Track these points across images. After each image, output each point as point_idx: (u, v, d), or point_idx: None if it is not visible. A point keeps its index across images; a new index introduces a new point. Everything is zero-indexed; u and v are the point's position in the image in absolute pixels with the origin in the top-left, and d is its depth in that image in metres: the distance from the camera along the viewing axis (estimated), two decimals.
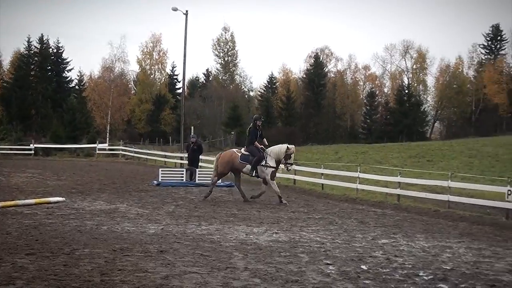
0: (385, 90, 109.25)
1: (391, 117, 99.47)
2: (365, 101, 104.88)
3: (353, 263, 10.54)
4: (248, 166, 21.76)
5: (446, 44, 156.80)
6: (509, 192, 18.97)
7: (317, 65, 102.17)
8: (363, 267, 10.25)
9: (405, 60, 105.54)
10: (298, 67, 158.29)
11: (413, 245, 12.94)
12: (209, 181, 29.01)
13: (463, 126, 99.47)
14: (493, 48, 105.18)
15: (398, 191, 24.32)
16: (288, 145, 21.67)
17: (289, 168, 22.43)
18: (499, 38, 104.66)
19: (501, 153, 51.27)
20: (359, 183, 26.99)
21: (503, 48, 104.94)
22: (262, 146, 21.90)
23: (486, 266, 10.75)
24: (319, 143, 79.82)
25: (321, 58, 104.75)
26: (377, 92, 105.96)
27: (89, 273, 9.05)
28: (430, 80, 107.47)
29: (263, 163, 21.59)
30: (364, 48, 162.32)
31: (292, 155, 21.69)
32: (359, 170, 27.56)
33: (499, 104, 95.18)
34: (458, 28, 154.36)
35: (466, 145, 60.34)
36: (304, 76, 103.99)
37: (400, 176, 24.95)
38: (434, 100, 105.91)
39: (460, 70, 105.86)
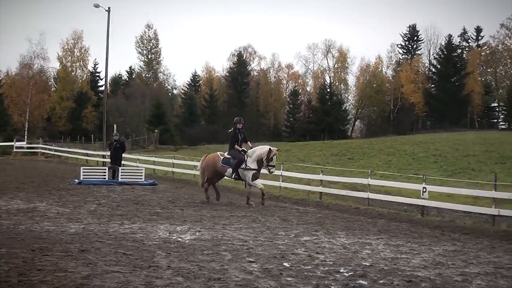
0: (308, 88, 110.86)
1: (314, 116, 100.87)
2: (288, 99, 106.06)
3: (275, 261, 10.63)
4: (230, 170, 21.38)
5: (367, 44, 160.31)
6: (424, 190, 19.59)
7: (240, 64, 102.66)
8: (286, 264, 10.36)
9: (327, 59, 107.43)
10: (222, 66, 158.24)
11: (334, 242, 13.18)
12: (136, 180, 28.89)
13: (382, 125, 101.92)
14: (410, 48, 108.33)
15: (320, 189, 24.70)
16: (271, 147, 21.18)
17: (271, 170, 21.33)
18: (415, 38, 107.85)
19: (417, 151, 52.82)
20: (282, 181, 27.26)
21: (419, 48, 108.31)
22: (243, 148, 21.50)
23: (403, 262, 11.06)
24: None
25: (244, 56, 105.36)
26: (300, 91, 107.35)
27: (6, 273, 8.77)
28: (351, 79, 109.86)
29: (243, 166, 21.09)
30: (287, 47, 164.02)
31: (274, 157, 21.05)
32: (282, 168, 27.81)
33: (415, 103, 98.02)
34: (378, 28, 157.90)
35: (385, 143, 61.88)
36: (228, 74, 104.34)
37: (322, 174, 25.35)
38: (355, 99, 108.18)
39: (379, 69, 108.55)
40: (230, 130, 21.94)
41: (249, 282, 8.85)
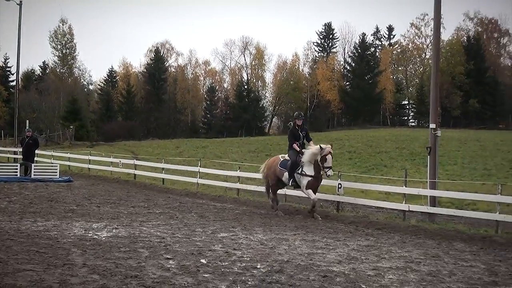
0: (225, 85, 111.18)
1: (231, 112, 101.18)
2: (205, 96, 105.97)
3: (193, 257, 10.64)
4: (286, 174, 18.51)
5: (284, 41, 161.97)
6: (340, 186, 19.97)
7: (157, 60, 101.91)
8: (203, 261, 10.38)
9: (244, 56, 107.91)
10: (139, 61, 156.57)
11: (252, 238, 13.29)
12: (51, 177, 28.20)
13: None
14: (326, 46, 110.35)
15: (237, 185, 24.80)
16: (322, 145, 17.97)
17: (327, 173, 17.83)
18: (331, 36, 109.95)
19: (333, 148, 53.67)
20: (199, 178, 27.23)
21: (334, 46, 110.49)
22: (303, 149, 18.43)
23: (319, 257, 11.27)
24: (160, 137, 79.50)
25: (161, 52, 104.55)
26: (217, 87, 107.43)
27: None
28: (268, 76, 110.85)
29: (299, 170, 18.15)
30: (204, 43, 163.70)
31: (329, 157, 17.78)
32: (199, 164, 27.79)
33: (331, 100, 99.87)
34: (294, 25, 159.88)
35: None
36: (145, 70, 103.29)
37: (240, 171, 25.46)
38: (272, 96, 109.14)
39: (296, 67, 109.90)
40: (289, 128, 19.37)
41: (166, 279, 8.82)
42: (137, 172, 31.24)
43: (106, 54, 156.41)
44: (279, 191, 20.26)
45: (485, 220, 16.39)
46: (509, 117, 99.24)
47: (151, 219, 15.98)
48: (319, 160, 17.69)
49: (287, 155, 18.80)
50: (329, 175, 17.92)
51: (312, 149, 17.91)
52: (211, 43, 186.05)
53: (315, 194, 17.98)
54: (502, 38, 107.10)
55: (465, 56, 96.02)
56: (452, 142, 53.81)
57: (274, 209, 19.11)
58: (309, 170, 17.85)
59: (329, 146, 17.91)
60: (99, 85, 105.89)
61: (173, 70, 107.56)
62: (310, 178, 17.83)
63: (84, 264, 9.63)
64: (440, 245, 13.59)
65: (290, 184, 18.56)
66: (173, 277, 8.97)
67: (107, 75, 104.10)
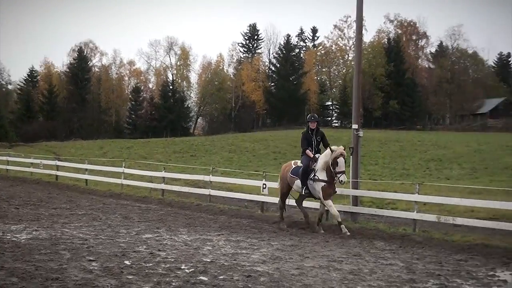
0: (150, 85, 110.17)
1: (156, 113, 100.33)
2: (130, 96, 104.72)
3: (116, 259, 10.55)
4: (298, 182, 16.69)
5: (209, 42, 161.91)
6: (264, 186, 20.15)
7: (81, 59, 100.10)
8: (127, 262, 10.31)
9: (169, 57, 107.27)
10: (61, 61, 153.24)
11: (176, 239, 13.27)
12: None
13: (224, 122, 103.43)
14: (251, 47, 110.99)
15: (162, 186, 24.66)
16: (332, 147, 15.89)
17: (340, 178, 15.40)
18: (256, 37, 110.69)
19: (258, 148, 54.19)
20: (124, 178, 26.94)
21: (259, 47, 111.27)
22: (317, 154, 16.49)
23: (243, 257, 11.36)
24: (83, 138, 78.09)
25: (85, 52, 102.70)
26: (142, 88, 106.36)
27: None
28: (193, 77, 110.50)
29: (312, 176, 16.17)
30: (129, 43, 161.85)
31: (341, 160, 15.47)
32: (124, 165, 27.48)
33: (256, 101, 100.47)
34: (220, 26, 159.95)
35: (227, 140, 62.90)
36: (68, 70, 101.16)
37: (165, 171, 25.34)
38: (197, 96, 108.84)
39: (221, 67, 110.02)
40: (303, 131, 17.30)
41: (89, 281, 8.72)
42: (59, 173, 30.63)
43: (26, 53, 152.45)
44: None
45: (403, 219, 16.87)
46: (426, 118, 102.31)
47: (73, 221, 15.72)
48: (330, 165, 15.56)
49: (300, 161, 16.94)
50: (341, 181, 15.34)
51: (326, 151, 15.90)
52: (136, 43, 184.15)
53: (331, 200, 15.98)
54: (420, 40, 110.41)
55: (385, 58, 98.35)
56: (373, 143, 55.06)
57: (279, 220, 17.24)
58: (321, 175, 15.81)
59: (341, 147, 15.69)
60: (18, 85, 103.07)
61: (97, 70, 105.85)
62: (323, 184, 15.75)
63: (2, 267, 9.41)
64: (362, 244, 13.91)
65: (303, 193, 16.53)
66: (96, 279, 8.88)
67: (28, 74, 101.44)
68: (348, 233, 15.18)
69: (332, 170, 15.50)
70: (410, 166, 41.42)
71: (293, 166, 17.10)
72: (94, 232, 13.81)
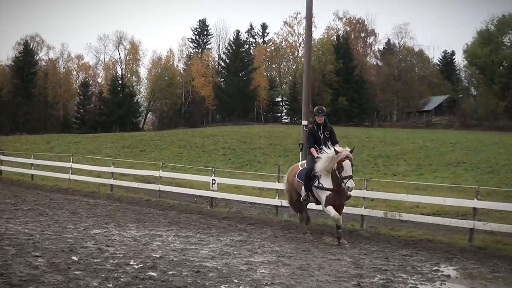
0: (99, 80, 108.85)
1: (105, 107, 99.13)
2: (78, 90, 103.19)
3: (63, 254, 10.42)
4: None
5: (158, 36, 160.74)
6: (214, 182, 20.17)
7: (27, 53, 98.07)
8: (74, 258, 10.19)
9: (118, 51, 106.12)
10: (6, 55, 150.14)
11: (125, 235, 13.18)
12: None
13: (174, 117, 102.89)
14: (201, 42, 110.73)
15: (111, 181, 24.43)
16: (337, 147, 13.75)
17: (347, 185, 13.05)
18: (205, 32, 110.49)
19: (207, 144, 54.09)
20: (71, 174, 26.59)
21: (209, 42, 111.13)
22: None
23: (192, 253, 11.36)
24: (29, 132, 76.55)
25: (31, 45, 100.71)
26: (90, 82, 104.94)
27: None
28: (143, 72, 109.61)
29: (316, 182, 13.94)
30: (77, 37, 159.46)
31: (346, 164, 13.09)
32: (71, 160, 27.11)
33: (206, 97, 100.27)
34: (169, 21, 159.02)
35: (177, 136, 62.59)
36: (13, 64, 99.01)
37: (114, 167, 25.09)
38: (147, 91, 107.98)
39: (171, 62, 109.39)
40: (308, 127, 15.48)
41: (35, 277, 8.59)
42: (2, 167, 30.03)
43: None
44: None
45: (351, 214, 17.08)
46: (373, 115, 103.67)
47: (18, 216, 15.44)
48: (335, 169, 13.25)
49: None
50: (349, 187, 12.98)
51: (326, 153, 13.53)
52: (84, 37, 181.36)
53: (340, 213, 13.52)
54: (368, 38, 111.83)
55: (335, 55, 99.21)
56: None
57: (303, 230, 14.88)
58: (326, 182, 13.50)
59: (347, 149, 13.44)
60: None
61: (43, 64, 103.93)
62: (328, 193, 13.42)
63: None
64: (310, 239, 14.03)
65: (308, 200, 14.32)
66: (42, 275, 8.76)
67: None
68: (347, 245, 13.09)
69: (338, 175, 13.12)
70: (358, 162, 41.90)
71: (300, 169, 14.81)
72: (40, 227, 13.61)
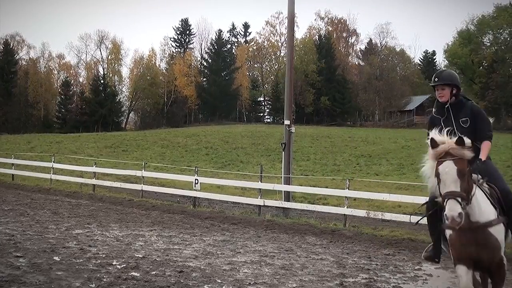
0: (81, 79, 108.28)
1: (87, 107, 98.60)
2: (59, 90, 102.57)
3: (45, 255, 10.34)
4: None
5: (140, 36, 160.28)
6: (196, 181, 20.15)
7: (7, 52, 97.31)
8: (56, 258, 10.12)
9: (100, 51, 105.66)
10: None
11: (107, 235, 13.11)
12: None
13: (156, 117, 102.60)
14: (183, 42, 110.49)
15: (93, 181, 24.33)
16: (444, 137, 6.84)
17: (445, 212, 6.16)
18: (188, 32, 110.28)
19: (190, 144, 54.03)
20: (53, 173, 26.43)
21: (191, 42, 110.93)
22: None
23: (175, 253, 11.33)
24: (9, 132, 76.01)
25: (11, 45, 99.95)
26: (72, 82, 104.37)
27: None
28: (125, 71, 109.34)
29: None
30: (58, 36, 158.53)
31: (442, 170, 6.30)
32: (53, 160, 26.95)
33: (188, 96, 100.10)
34: (151, 20, 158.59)
35: (159, 135, 62.45)
36: None
37: (96, 166, 25.00)
38: (129, 91, 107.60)
39: (153, 62, 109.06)
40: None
41: (16, 278, 8.51)
42: None
43: None
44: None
45: (334, 214, 17.14)
46: (356, 114, 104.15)
47: None
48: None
49: None
50: (446, 216, 6.09)
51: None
52: (65, 36, 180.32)
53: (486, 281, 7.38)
54: (350, 38, 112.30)
55: (317, 55, 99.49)
56: (305, 138, 55.69)
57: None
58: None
59: (448, 161, 6.34)
60: None
61: (24, 63, 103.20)
62: (449, 232, 6.77)
63: None
64: (293, 239, 14.08)
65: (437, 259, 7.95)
66: (23, 276, 8.68)
67: None
68: None
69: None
70: (341, 162, 42.14)
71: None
72: (22, 227, 13.49)
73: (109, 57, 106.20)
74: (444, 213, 6.05)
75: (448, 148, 6.33)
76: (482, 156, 6.98)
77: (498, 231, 6.50)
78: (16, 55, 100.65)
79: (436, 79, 7.44)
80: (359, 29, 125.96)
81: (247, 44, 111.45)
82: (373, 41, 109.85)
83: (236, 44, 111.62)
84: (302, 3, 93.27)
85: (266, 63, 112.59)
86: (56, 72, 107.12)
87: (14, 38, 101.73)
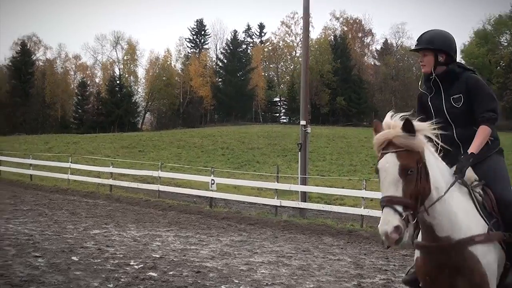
0: (97, 80, 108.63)
1: (103, 108, 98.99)
2: (76, 91, 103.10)
3: (63, 255, 10.41)
4: None
5: (155, 36, 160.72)
6: (213, 182, 20.18)
7: (24, 53, 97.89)
8: (74, 258, 10.19)
9: (116, 51, 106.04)
10: (3, 55, 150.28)
11: (125, 235, 13.18)
12: None
13: (172, 118, 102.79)
14: (198, 42, 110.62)
15: (110, 181, 24.45)
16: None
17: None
18: (203, 32, 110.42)
19: (206, 144, 54.07)
20: (70, 174, 26.59)
21: (206, 42, 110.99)
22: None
23: (192, 253, 11.36)
24: (27, 133, 76.49)
25: (28, 45, 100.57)
26: (88, 82, 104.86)
27: None
28: (141, 72, 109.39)
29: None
30: (74, 37, 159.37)
31: (380, 167, 4.74)
32: (70, 160, 27.10)
33: (204, 97, 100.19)
34: (166, 21, 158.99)
35: (175, 136, 62.56)
36: (10, 64, 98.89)
37: (112, 167, 25.11)
38: (145, 92, 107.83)
39: (168, 62, 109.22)
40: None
41: (35, 277, 8.58)
42: (1, 168, 30.03)
43: None
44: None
45: (351, 214, 17.10)
46: (372, 115, 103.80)
47: (18, 216, 15.44)
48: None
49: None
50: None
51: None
52: (82, 37, 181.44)
53: None
54: (365, 38, 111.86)
55: (332, 55, 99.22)
56: (321, 139, 55.55)
57: None
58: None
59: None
60: None
61: (41, 64, 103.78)
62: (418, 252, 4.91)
63: None
64: (310, 239, 14.07)
65: None
66: (42, 275, 8.75)
67: None
68: None
69: None
70: (357, 162, 41.99)
71: None
72: (40, 227, 13.60)
73: (125, 58, 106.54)
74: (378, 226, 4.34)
75: (392, 136, 4.53)
76: (473, 147, 4.97)
77: (484, 252, 4.57)
78: (33, 56, 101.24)
79: (416, 43, 5.70)
80: (374, 29, 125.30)
81: (262, 45, 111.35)
82: (388, 41, 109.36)
83: (251, 45, 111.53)
84: (317, 4, 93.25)
85: (282, 63, 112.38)
86: (72, 72, 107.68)
87: (31, 39, 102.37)
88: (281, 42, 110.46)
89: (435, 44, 5.39)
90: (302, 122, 19.60)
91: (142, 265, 9.90)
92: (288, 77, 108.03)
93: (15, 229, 13.12)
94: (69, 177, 26.43)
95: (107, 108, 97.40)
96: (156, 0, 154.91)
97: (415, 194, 4.32)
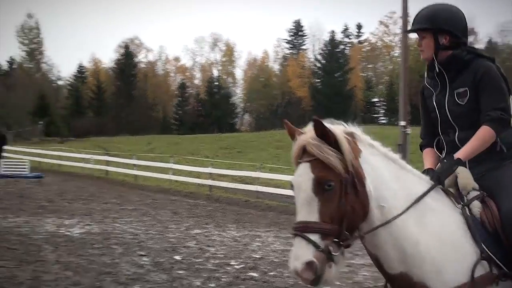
0: (196, 81, 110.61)
1: (203, 109, 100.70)
2: (176, 92, 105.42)
3: (166, 254, 10.69)
4: None
5: (253, 38, 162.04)
6: None
7: (127, 55, 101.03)
8: (177, 257, 10.44)
9: (214, 53, 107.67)
10: (109, 57, 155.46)
11: (225, 235, 13.37)
12: (20, 172, 27.91)
13: (270, 118, 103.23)
14: (296, 43, 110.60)
15: (210, 181, 24.85)
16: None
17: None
18: (300, 33, 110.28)
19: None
20: (172, 174, 27.22)
21: (304, 43, 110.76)
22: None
23: None
24: (131, 133, 78.89)
25: (130, 48, 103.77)
26: (188, 84, 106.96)
27: None
28: (239, 73, 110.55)
29: None
30: (174, 40, 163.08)
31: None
32: (172, 161, 27.76)
33: (302, 98, 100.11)
34: (263, 22, 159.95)
35: (274, 136, 62.80)
36: (115, 66, 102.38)
37: (212, 167, 25.51)
38: (243, 93, 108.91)
39: (266, 63, 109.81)
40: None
41: (141, 276, 8.87)
42: (109, 168, 31.11)
43: (75, 49, 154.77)
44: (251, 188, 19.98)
45: None
46: None
47: (123, 216, 15.98)
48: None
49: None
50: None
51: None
52: (181, 39, 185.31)
53: None
54: (468, 37, 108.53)
55: None
56: None
57: None
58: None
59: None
60: (68, 80, 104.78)
61: (143, 66, 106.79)
62: None
63: (57, 261, 9.64)
64: None
65: None
66: (147, 274, 9.02)
67: (77, 70, 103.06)
68: None
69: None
70: None
71: None
72: (144, 227, 14.02)
73: (223, 59, 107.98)
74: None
75: (304, 142, 3.54)
76: (462, 151, 3.92)
77: None
78: (135, 58, 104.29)
79: (412, 23, 4.36)
80: (477, 28, 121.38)
81: (360, 45, 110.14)
82: (492, 40, 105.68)
83: (349, 45, 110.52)
84: (416, 3, 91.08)
85: (380, 63, 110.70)
86: (172, 74, 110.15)
87: (134, 42, 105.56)
88: (379, 42, 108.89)
89: (435, 22, 4.09)
90: (402, 123, 19.30)
91: (242, 265, 10.02)
92: (386, 77, 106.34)
93: (122, 228, 13.61)
94: (171, 177, 27.06)
95: (206, 109, 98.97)
96: (253, 1, 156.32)
97: (339, 217, 3.23)
